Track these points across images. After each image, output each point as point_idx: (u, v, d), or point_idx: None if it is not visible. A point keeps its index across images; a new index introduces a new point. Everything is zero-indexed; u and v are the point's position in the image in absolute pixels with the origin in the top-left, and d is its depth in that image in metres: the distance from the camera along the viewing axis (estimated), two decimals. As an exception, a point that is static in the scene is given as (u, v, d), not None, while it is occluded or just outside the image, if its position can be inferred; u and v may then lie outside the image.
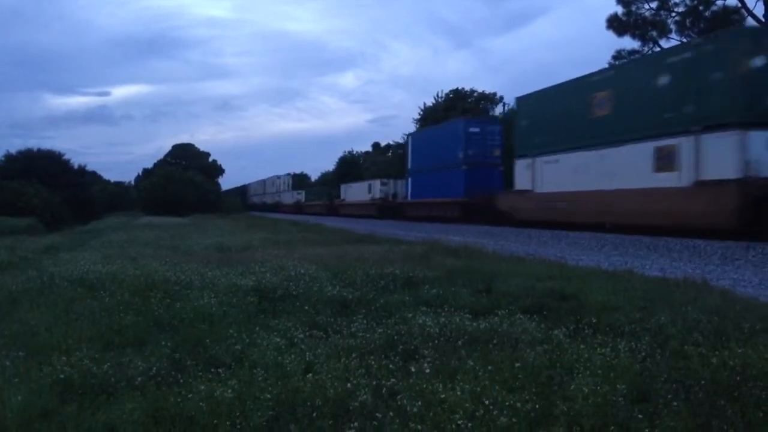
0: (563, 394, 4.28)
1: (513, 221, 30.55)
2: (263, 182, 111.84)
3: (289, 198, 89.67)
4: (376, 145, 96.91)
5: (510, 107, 58.91)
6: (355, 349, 5.54)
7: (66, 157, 66.18)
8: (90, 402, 4.36)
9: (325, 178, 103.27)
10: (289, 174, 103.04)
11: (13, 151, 64.29)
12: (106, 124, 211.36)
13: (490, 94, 66.36)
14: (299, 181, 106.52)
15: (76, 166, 68.75)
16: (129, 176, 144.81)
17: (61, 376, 4.82)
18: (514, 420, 3.83)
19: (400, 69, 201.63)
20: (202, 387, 4.47)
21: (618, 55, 46.64)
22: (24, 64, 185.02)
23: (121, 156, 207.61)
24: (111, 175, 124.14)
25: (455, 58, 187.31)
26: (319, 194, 76.93)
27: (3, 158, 63.51)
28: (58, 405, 4.34)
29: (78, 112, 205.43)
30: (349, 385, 4.43)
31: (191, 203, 70.27)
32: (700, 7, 42.27)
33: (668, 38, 44.53)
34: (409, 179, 47.32)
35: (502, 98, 66.21)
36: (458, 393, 4.21)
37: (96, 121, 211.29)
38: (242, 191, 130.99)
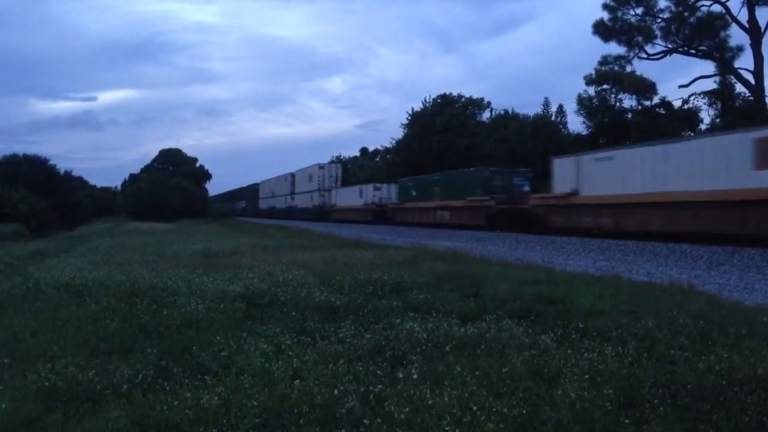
0: (550, 400, 4.29)
1: None
2: (290, 177, 78.74)
3: (354, 199, 55.55)
4: (363, 150, 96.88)
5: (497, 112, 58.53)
6: (343, 355, 5.53)
7: (52, 162, 65.77)
8: (75, 410, 4.33)
9: None
10: (336, 163, 76.20)
11: (-3, 156, 63.78)
12: (92, 130, 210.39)
13: (477, 99, 66.55)
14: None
15: (62, 172, 68.31)
16: (115, 182, 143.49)
17: (46, 383, 4.78)
18: (501, 426, 3.84)
19: (387, 74, 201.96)
20: (189, 394, 4.44)
21: (604, 61, 46.97)
22: (9, 68, 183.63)
23: (107, 161, 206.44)
24: (97, 181, 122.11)
25: (442, 63, 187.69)
26: (450, 188, 39.30)
27: (-12, 164, 63.01)
28: (42, 413, 4.31)
29: (63, 117, 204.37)
30: (336, 391, 4.42)
31: (178, 209, 69.81)
32: (685, 14, 42.61)
33: (653, 44, 44.90)
34: None
35: (489, 103, 66.47)
36: (446, 399, 4.21)
37: (82, 127, 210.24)
38: (248, 194, 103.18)
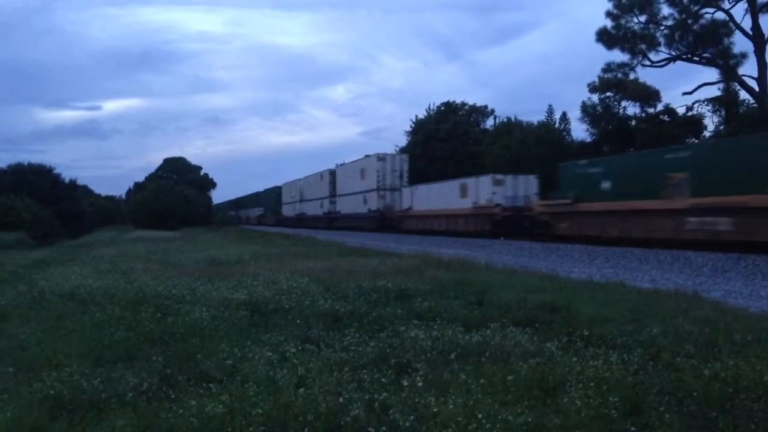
0: (556, 407, 4.28)
1: None
2: (329, 175, 62.61)
3: (449, 199, 38.68)
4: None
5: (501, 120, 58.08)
6: (348, 362, 5.52)
7: (56, 171, 65.84)
8: (80, 418, 4.33)
9: None
10: (401, 154, 55.85)
11: (2, 165, 63.90)
12: (96, 138, 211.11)
13: (481, 106, 66.65)
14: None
15: (66, 181, 68.42)
16: (119, 190, 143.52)
17: (51, 392, 4.78)
18: (506, 433, 3.83)
19: (390, 82, 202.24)
20: (193, 402, 4.43)
21: (608, 68, 47.00)
22: (13, 77, 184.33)
23: (111, 170, 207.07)
24: (101, 189, 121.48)
25: (446, 71, 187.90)
26: (724, 169, 20.45)
27: (-7, 173, 63.11)
28: (47, 421, 4.31)
29: (68, 126, 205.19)
30: (341, 399, 4.41)
31: (182, 217, 69.81)
32: (689, 21, 42.63)
33: (657, 51, 44.90)
34: None
35: (493, 111, 66.57)
36: (451, 406, 4.20)
37: (86, 135, 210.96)
38: (267, 199, 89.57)
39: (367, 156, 53.62)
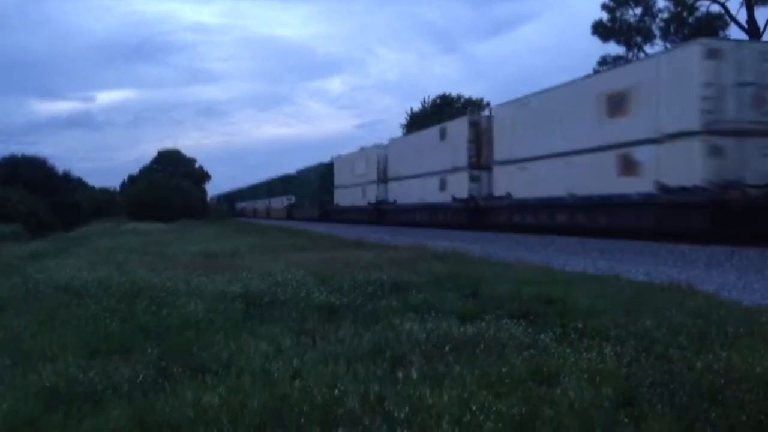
0: (549, 399, 4.30)
1: None
2: (467, 129, 29.93)
3: None
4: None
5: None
6: (343, 355, 5.54)
7: (50, 162, 65.61)
8: (76, 410, 4.34)
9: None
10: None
11: (-4, 156, 63.60)
12: (90, 129, 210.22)
13: (476, 99, 66.64)
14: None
15: (60, 172, 68.16)
16: (113, 182, 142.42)
17: (47, 383, 4.79)
18: (500, 425, 3.85)
19: (386, 74, 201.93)
20: (189, 394, 4.45)
21: (603, 61, 47.03)
22: (7, 68, 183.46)
23: (105, 162, 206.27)
24: (95, 181, 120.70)
25: (442, 63, 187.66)
26: None
27: (-13, 164, 62.82)
28: (43, 413, 4.32)
29: (61, 117, 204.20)
30: (336, 391, 4.43)
31: (177, 209, 69.52)
32: (684, 14, 42.68)
33: (653, 44, 45.01)
34: None
35: (488, 103, 66.44)
36: (445, 398, 4.22)
37: (80, 127, 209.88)
38: (300, 184, 62.49)
39: (621, 61, 26.97)
